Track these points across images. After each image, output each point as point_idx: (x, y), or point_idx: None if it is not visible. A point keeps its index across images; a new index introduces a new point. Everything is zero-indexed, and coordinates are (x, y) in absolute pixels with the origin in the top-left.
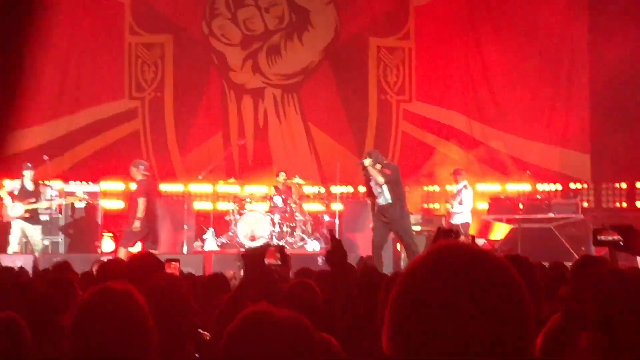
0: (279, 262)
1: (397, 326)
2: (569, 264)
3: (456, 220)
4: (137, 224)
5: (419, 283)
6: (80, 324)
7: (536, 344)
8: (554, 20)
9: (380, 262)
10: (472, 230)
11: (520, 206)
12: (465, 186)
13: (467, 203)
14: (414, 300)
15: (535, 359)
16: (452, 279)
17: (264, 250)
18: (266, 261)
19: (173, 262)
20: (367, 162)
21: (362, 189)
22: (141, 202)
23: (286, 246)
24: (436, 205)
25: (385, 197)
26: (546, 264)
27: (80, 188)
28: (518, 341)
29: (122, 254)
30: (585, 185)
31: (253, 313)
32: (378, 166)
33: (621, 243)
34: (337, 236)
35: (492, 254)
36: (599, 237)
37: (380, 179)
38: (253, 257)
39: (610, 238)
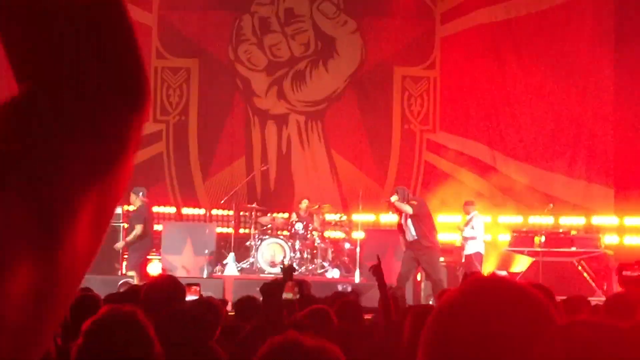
0: (297, 296)
1: None
2: (592, 299)
3: (468, 249)
4: (120, 245)
5: (454, 320)
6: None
7: None
8: (579, 52)
9: (403, 294)
10: (492, 263)
11: (542, 239)
12: (475, 215)
13: (478, 229)
14: (450, 337)
15: None
16: (488, 315)
17: (282, 284)
18: (284, 295)
19: (194, 286)
20: (394, 198)
21: (384, 217)
22: (138, 228)
23: (304, 271)
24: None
25: (411, 233)
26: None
27: None
28: None
29: (134, 275)
30: (608, 220)
31: (282, 342)
32: (395, 197)
33: None
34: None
35: (527, 288)
36: (623, 273)
37: (409, 209)
38: (270, 291)
39: (636, 274)
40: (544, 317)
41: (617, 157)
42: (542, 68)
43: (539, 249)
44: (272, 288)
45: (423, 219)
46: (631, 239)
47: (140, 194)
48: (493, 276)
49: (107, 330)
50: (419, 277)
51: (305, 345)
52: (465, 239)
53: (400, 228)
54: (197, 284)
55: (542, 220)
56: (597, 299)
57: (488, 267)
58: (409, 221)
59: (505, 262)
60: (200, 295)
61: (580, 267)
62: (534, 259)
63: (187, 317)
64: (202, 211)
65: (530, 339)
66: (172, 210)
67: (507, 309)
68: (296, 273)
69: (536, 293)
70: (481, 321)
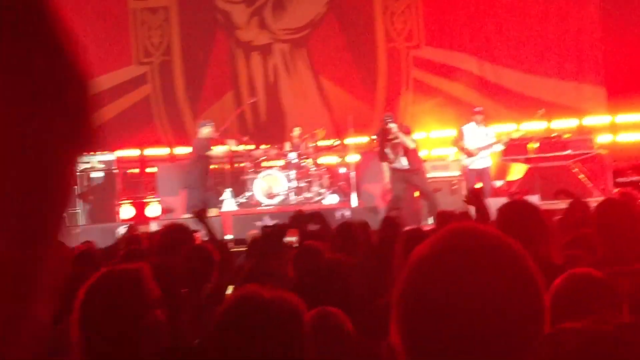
0: (297, 244)
1: (405, 324)
2: (589, 201)
3: (481, 163)
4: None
5: (425, 277)
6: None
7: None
8: None
9: (399, 214)
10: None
11: (536, 145)
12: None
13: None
14: (421, 296)
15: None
16: (462, 273)
17: (284, 229)
18: (286, 239)
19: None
20: (394, 126)
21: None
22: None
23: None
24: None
25: (401, 162)
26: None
27: (95, 158)
28: (529, 335)
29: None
30: (600, 120)
31: (242, 296)
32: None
33: None
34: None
35: (505, 242)
36: (617, 179)
37: (412, 144)
38: (272, 236)
39: (630, 179)
40: (522, 274)
41: (607, 56)
42: None
43: (533, 155)
44: (273, 232)
45: (415, 150)
46: (624, 136)
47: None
48: (467, 227)
49: (106, 296)
50: (415, 195)
51: (263, 297)
52: (480, 149)
53: (382, 156)
54: (197, 231)
55: (535, 125)
56: (596, 199)
57: None
58: (401, 151)
59: (501, 172)
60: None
61: (575, 170)
62: (529, 166)
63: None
64: None
65: (507, 299)
66: (165, 151)
67: (482, 266)
68: (294, 201)
69: (515, 246)
70: (454, 280)
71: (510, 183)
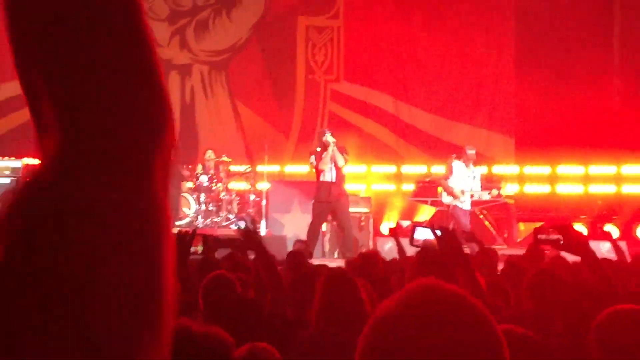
0: (202, 250)
1: None
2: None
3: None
4: None
5: (391, 333)
6: None
7: None
8: (483, 6)
9: (311, 250)
10: (396, 212)
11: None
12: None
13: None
14: (386, 350)
15: None
16: (428, 329)
17: (192, 236)
18: (192, 248)
19: None
20: (333, 140)
21: (288, 168)
22: None
23: (211, 226)
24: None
25: (331, 175)
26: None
27: (1, 164)
28: None
29: None
30: (509, 169)
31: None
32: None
33: (561, 242)
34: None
35: (469, 300)
36: (539, 236)
37: (342, 162)
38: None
39: (551, 237)
40: (487, 335)
41: (518, 107)
42: (447, 16)
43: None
44: (183, 237)
45: (342, 169)
46: (530, 187)
47: None
48: (433, 285)
49: None
50: (324, 228)
51: (193, 331)
52: (464, 193)
53: (317, 168)
54: None
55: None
56: (499, 247)
57: (392, 216)
58: (333, 168)
59: (409, 212)
60: None
61: (482, 216)
62: (437, 209)
63: None
64: None
65: (472, 350)
66: None
67: (449, 324)
68: (200, 225)
69: (479, 305)
70: (420, 336)
71: (417, 223)
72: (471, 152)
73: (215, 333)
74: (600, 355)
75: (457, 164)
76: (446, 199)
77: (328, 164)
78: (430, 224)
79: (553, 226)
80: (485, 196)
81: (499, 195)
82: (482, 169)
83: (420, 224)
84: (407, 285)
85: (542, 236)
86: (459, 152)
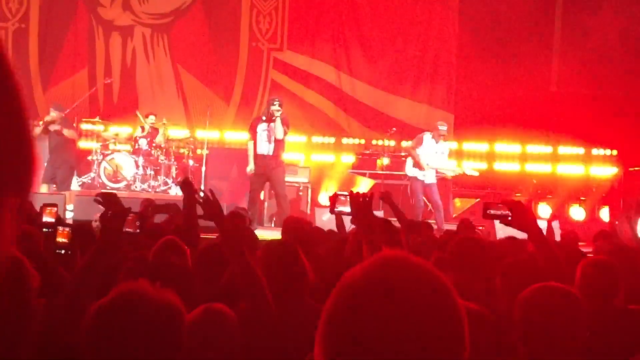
0: (137, 231)
1: (330, 351)
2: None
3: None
4: None
5: (356, 302)
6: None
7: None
8: None
9: (255, 214)
10: (334, 184)
11: (385, 162)
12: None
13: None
14: (351, 320)
15: None
16: (390, 306)
17: (124, 216)
18: (125, 229)
19: (49, 208)
20: (279, 112)
21: (228, 134)
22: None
23: (149, 189)
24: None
25: (268, 148)
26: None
27: None
28: None
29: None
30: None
31: (126, 291)
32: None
33: (509, 218)
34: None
35: (435, 275)
36: (488, 211)
37: (280, 135)
38: (112, 221)
39: (499, 212)
40: (449, 308)
41: (459, 84)
42: None
43: (381, 172)
44: (114, 216)
45: (282, 142)
46: (468, 164)
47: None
48: (398, 256)
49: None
50: (262, 196)
51: (149, 296)
52: (430, 168)
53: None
54: (54, 204)
55: (385, 143)
56: (432, 221)
57: (330, 188)
58: (272, 140)
59: (347, 184)
60: (57, 216)
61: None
62: (375, 182)
63: None
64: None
65: (435, 324)
66: None
67: (411, 299)
68: (137, 189)
69: (443, 280)
70: (382, 312)
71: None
72: (442, 127)
73: (165, 296)
74: (523, 329)
75: (428, 137)
76: (410, 170)
77: (265, 138)
78: (351, 193)
79: (503, 202)
80: (450, 173)
81: (463, 173)
82: (451, 145)
83: (341, 194)
84: (373, 256)
85: (491, 211)
86: (398, 126)
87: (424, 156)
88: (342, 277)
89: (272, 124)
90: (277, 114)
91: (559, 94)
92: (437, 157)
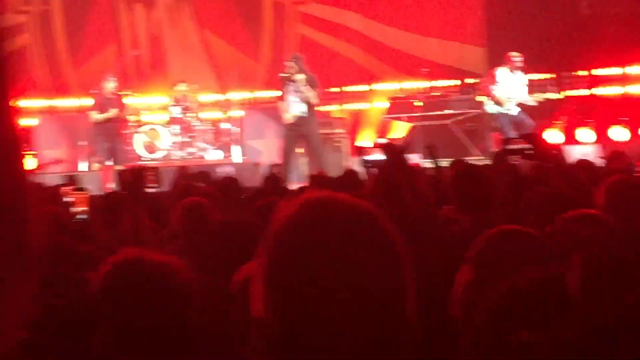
0: (156, 185)
1: (269, 294)
2: (468, 159)
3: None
4: None
5: (287, 250)
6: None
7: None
8: None
9: (287, 171)
10: (371, 131)
11: (420, 104)
12: None
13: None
14: (285, 260)
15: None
16: (323, 244)
17: (141, 172)
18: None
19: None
20: (301, 77)
21: (260, 94)
22: None
23: (187, 157)
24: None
25: (302, 109)
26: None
27: None
28: (394, 297)
29: None
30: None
31: (125, 260)
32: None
33: (531, 151)
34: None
35: (366, 209)
36: (508, 146)
37: (315, 100)
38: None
39: (519, 147)
40: (383, 242)
41: (488, 17)
42: None
43: (416, 114)
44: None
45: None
46: None
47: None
48: (325, 197)
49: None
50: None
51: (147, 262)
52: (512, 100)
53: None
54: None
55: (419, 85)
56: (476, 158)
57: (368, 135)
58: (304, 104)
59: (383, 129)
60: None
61: (455, 129)
62: (412, 125)
63: None
64: (75, 102)
65: (368, 269)
66: (44, 103)
67: (343, 232)
68: (176, 157)
69: (375, 211)
70: (315, 251)
71: (392, 140)
72: (516, 58)
73: (172, 263)
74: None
75: (501, 71)
76: (492, 108)
77: (297, 99)
78: (381, 144)
79: (522, 136)
80: (531, 103)
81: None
82: (529, 75)
83: (374, 146)
84: (300, 198)
85: (512, 146)
86: (430, 66)
87: (501, 90)
88: (275, 215)
89: (301, 87)
90: (300, 78)
91: (590, 15)
92: (517, 89)
